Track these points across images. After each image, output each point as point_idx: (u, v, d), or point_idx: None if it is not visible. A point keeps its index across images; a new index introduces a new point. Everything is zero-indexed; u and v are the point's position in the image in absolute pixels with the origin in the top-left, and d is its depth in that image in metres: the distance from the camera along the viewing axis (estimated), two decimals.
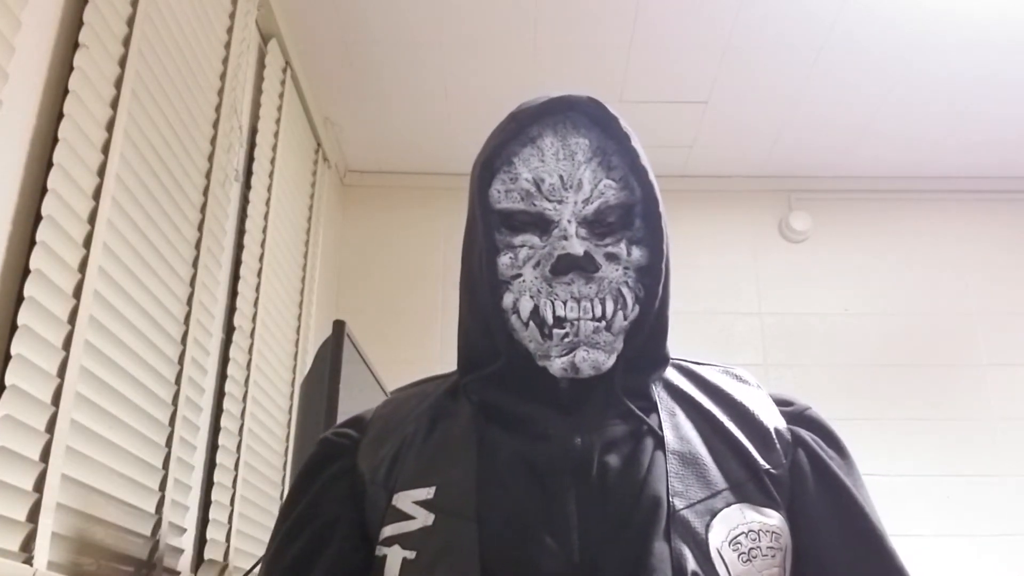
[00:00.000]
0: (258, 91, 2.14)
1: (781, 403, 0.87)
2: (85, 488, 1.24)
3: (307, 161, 2.60)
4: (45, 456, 1.13)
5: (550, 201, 0.80)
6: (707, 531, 0.74)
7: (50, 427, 1.14)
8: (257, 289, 2.04)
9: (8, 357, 1.06)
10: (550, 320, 0.78)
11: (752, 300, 2.96)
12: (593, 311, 0.78)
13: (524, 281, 0.80)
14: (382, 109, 2.68)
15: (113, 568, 1.35)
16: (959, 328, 2.93)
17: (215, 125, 1.77)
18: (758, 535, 0.75)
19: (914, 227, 3.05)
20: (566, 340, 0.78)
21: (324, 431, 1.42)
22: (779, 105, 2.66)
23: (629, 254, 0.81)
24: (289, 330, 2.34)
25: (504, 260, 0.81)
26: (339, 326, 1.56)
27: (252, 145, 2.08)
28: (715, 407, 0.84)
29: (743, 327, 2.91)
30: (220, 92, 1.80)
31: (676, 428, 0.81)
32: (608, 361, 0.79)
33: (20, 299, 1.09)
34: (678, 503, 0.75)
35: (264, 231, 2.11)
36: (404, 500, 0.79)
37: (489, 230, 0.82)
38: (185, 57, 1.62)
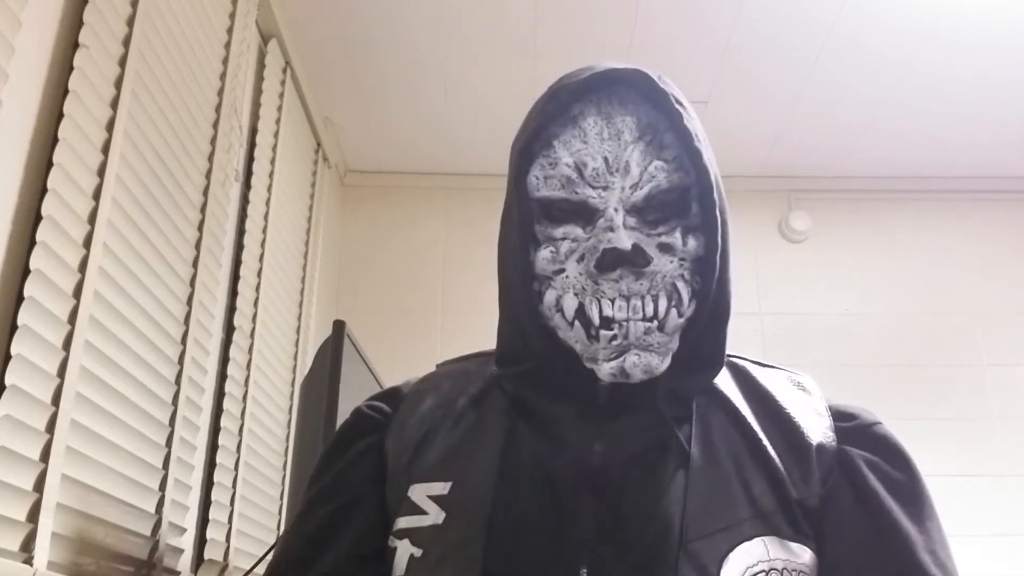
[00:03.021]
0: (258, 91, 2.14)
1: (842, 417, 0.77)
2: (85, 488, 1.24)
3: (307, 161, 2.60)
4: (45, 456, 1.12)
5: (594, 187, 0.71)
6: (720, 566, 0.67)
7: (50, 427, 1.14)
8: (257, 289, 2.04)
9: (8, 357, 1.06)
10: (596, 321, 0.71)
11: (752, 300, 2.96)
12: (644, 310, 0.70)
13: (568, 277, 0.72)
14: (382, 109, 2.68)
15: (113, 568, 1.34)
16: (959, 328, 2.93)
17: (215, 125, 1.77)
18: (781, 574, 0.68)
19: (914, 227, 3.05)
20: (614, 343, 0.70)
21: (324, 431, 1.43)
22: (779, 105, 2.66)
23: (685, 244, 0.72)
24: (289, 330, 2.34)
25: (544, 254, 0.73)
26: (339, 326, 1.55)
27: (252, 145, 2.08)
28: (758, 420, 0.76)
29: (743, 327, 2.91)
30: (220, 92, 1.80)
31: (706, 443, 0.73)
32: (662, 364, 0.71)
33: (20, 299, 1.09)
34: (692, 532, 0.68)
35: (264, 231, 2.11)
36: (420, 493, 0.75)
37: (527, 221, 0.74)
38: (185, 57, 1.62)
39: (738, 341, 2.87)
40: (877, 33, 2.32)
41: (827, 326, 2.93)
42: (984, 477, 2.75)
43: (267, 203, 2.14)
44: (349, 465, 0.81)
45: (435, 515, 0.74)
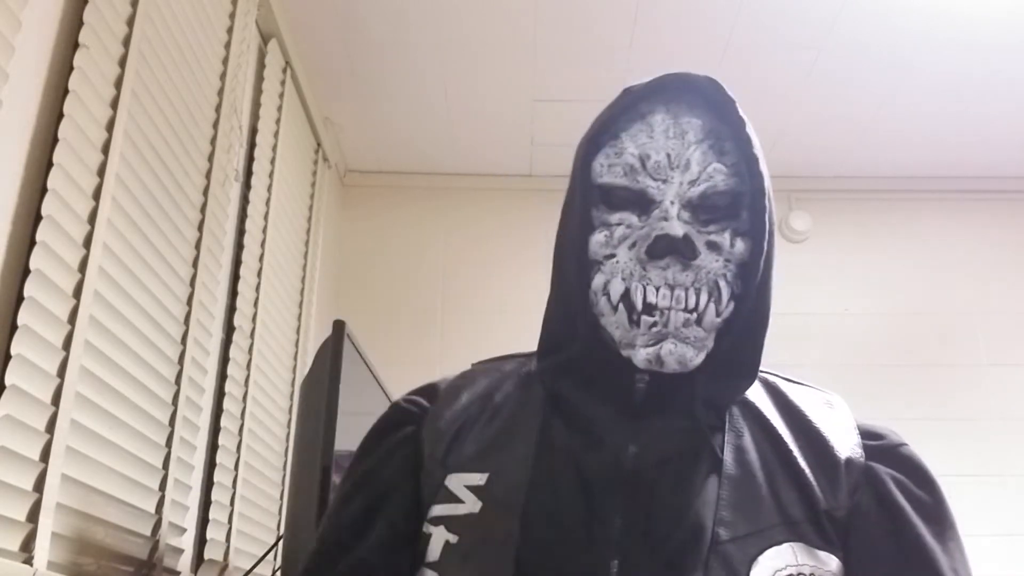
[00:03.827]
0: (258, 91, 2.14)
1: (870, 435, 0.79)
2: (85, 488, 1.24)
3: (307, 161, 2.60)
4: (45, 456, 1.12)
5: (655, 179, 0.75)
6: (750, 567, 0.68)
7: (50, 427, 1.14)
8: (257, 289, 2.04)
9: (8, 357, 1.06)
10: (639, 306, 0.73)
11: None
12: (686, 301, 0.73)
13: (617, 262, 0.75)
14: (382, 109, 2.68)
15: (113, 568, 1.35)
16: (959, 328, 2.93)
17: (215, 125, 1.77)
18: None
19: (914, 227, 3.05)
20: (654, 330, 0.73)
21: (324, 431, 1.43)
22: (779, 105, 2.66)
23: (732, 245, 0.75)
24: (289, 330, 2.34)
25: (598, 238, 0.76)
26: (339, 326, 1.55)
27: (252, 145, 2.08)
28: (788, 433, 0.78)
29: None
30: (220, 92, 1.80)
31: (738, 451, 0.75)
32: (696, 358, 0.73)
33: (20, 299, 1.09)
34: (723, 534, 0.70)
35: (264, 231, 2.11)
36: (456, 482, 0.77)
37: (586, 205, 0.77)
38: (185, 57, 1.62)
39: None
40: (877, 33, 2.32)
41: (827, 326, 2.93)
42: (984, 477, 2.75)
43: (267, 203, 2.14)
44: (386, 455, 0.83)
45: (471, 504, 0.75)
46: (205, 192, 1.72)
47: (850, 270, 2.99)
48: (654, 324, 0.73)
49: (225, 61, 1.83)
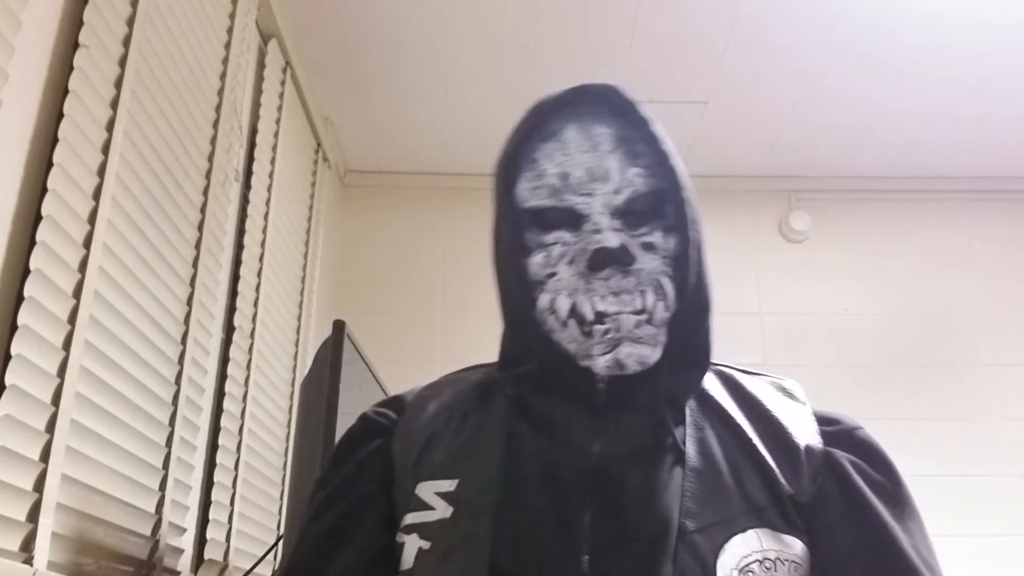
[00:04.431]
0: (258, 91, 2.14)
1: (826, 421, 0.81)
2: (85, 488, 1.24)
3: (307, 161, 2.60)
4: (45, 456, 1.13)
5: (579, 195, 0.77)
6: (717, 556, 0.71)
7: (50, 427, 1.14)
8: (257, 289, 2.04)
9: (8, 357, 1.06)
10: (590, 316, 0.75)
11: (752, 300, 2.96)
12: (634, 304, 0.75)
13: (560, 279, 0.77)
14: (382, 109, 2.68)
15: (113, 568, 1.35)
16: (959, 328, 2.93)
17: (215, 125, 1.77)
18: (775, 564, 0.71)
19: (914, 227, 3.05)
20: (607, 336, 0.75)
21: (324, 432, 1.43)
22: (779, 105, 2.66)
23: (665, 242, 0.77)
24: (289, 330, 2.34)
25: (537, 259, 0.78)
26: (339, 326, 1.55)
27: (252, 145, 2.08)
28: (748, 423, 0.80)
29: (743, 327, 2.91)
30: (220, 92, 1.80)
31: (700, 444, 0.77)
32: (654, 355, 0.75)
33: (20, 299, 1.09)
34: (690, 525, 0.72)
35: (264, 231, 2.11)
36: (427, 490, 0.78)
37: (518, 230, 0.80)
38: (185, 57, 1.62)
39: (738, 341, 2.88)
40: (876, 33, 2.32)
41: (827, 326, 2.93)
42: (984, 477, 2.75)
43: (267, 203, 2.14)
44: (358, 467, 0.84)
45: (443, 510, 0.76)
46: (205, 192, 1.72)
47: (850, 270, 2.99)
48: (607, 331, 0.75)
49: (225, 61, 1.83)
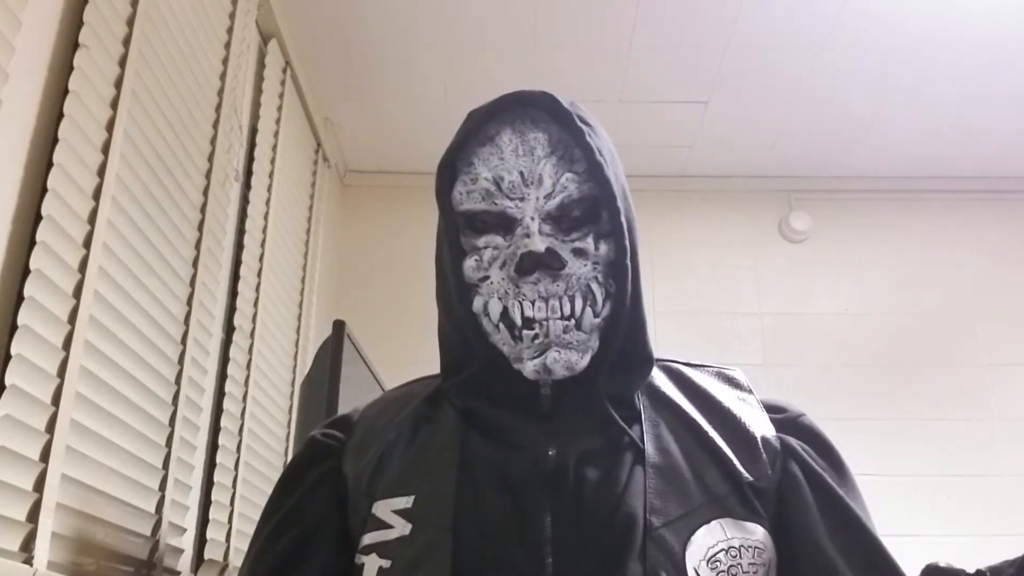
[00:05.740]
0: (258, 91, 2.14)
1: (773, 410, 0.84)
2: (85, 488, 1.24)
3: (307, 161, 2.60)
4: (45, 456, 1.12)
5: (511, 199, 0.78)
6: (685, 549, 0.72)
7: (50, 427, 1.14)
8: (257, 289, 2.04)
9: (8, 357, 1.06)
10: (519, 321, 0.76)
11: (752, 300, 2.96)
12: (562, 309, 0.76)
13: (492, 283, 0.78)
14: (382, 109, 2.68)
15: (113, 568, 1.35)
16: (959, 328, 2.93)
17: (215, 125, 1.77)
18: (739, 551, 0.73)
19: (914, 227, 3.05)
20: (536, 342, 0.76)
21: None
22: (779, 105, 2.66)
23: (597, 248, 0.78)
24: (289, 330, 2.34)
25: (470, 263, 0.79)
26: (339, 326, 1.56)
27: (252, 145, 2.08)
28: (700, 415, 0.81)
29: (743, 327, 2.91)
30: (220, 92, 1.80)
31: (658, 440, 0.79)
32: (582, 361, 0.76)
33: (20, 299, 1.09)
34: (655, 521, 0.73)
35: (264, 231, 2.11)
36: (384, 509, 0.78)
37: (454, 233, 0.81)
38: (185, 57, 1.62)
39: (738, 341, 2.88)
40: (877, 33, 2.32)
41: (827, 326, 2.93)
42: (984, 477, 2.75)
43: (267, 203, 2.14)
44: (309, 490, 0.84)
45: (401, 527, 0.76)
46: (205, 192, 1.72)
47: (850, 270, 3.00)
48: (535, 336, 0.76)
49: (225, 61, 1.83)
